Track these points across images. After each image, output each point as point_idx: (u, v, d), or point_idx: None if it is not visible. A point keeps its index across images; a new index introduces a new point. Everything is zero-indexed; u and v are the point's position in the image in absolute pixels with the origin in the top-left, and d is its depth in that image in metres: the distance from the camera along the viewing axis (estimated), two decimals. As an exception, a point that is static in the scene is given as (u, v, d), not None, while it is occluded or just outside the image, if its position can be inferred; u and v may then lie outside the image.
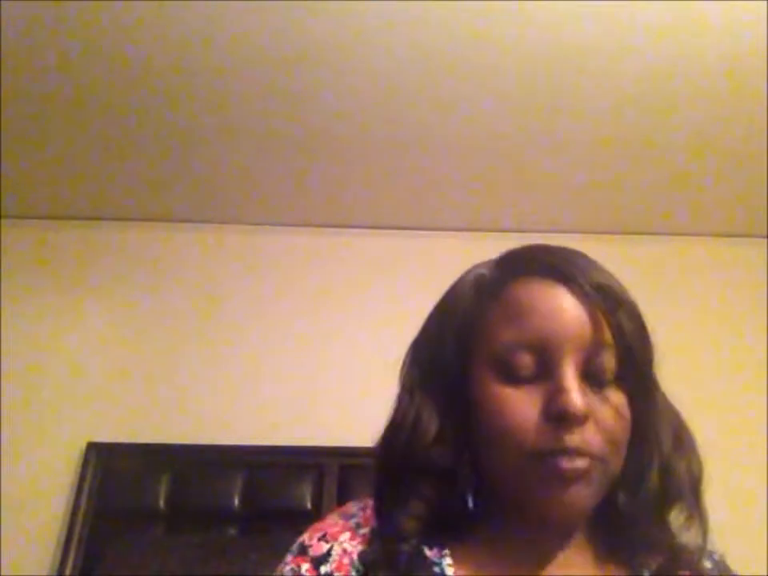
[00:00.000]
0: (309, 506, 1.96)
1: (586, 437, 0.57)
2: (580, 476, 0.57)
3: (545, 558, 0.62)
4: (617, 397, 0.60)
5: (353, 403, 2.08)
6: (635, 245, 2.40)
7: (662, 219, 2.40)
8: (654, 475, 0.62)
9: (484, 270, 0.68)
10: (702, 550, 0.63)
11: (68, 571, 1.86)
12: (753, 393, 2.21)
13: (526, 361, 0.59)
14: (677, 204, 2.32)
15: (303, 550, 0.64)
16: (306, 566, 0.62)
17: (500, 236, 2.33)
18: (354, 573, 0.60)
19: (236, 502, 1.97)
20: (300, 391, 2.18)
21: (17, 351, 2.18)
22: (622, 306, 0.61)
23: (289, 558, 0.65)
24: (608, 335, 0.59)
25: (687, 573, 0.62)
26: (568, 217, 2.36)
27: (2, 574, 1.86)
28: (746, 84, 1.80)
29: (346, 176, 2.20)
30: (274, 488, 2.00)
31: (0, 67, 1.73)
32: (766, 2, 1.56)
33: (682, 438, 0.64)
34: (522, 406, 0.58)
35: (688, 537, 0.63)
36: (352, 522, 0.65)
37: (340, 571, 0.61)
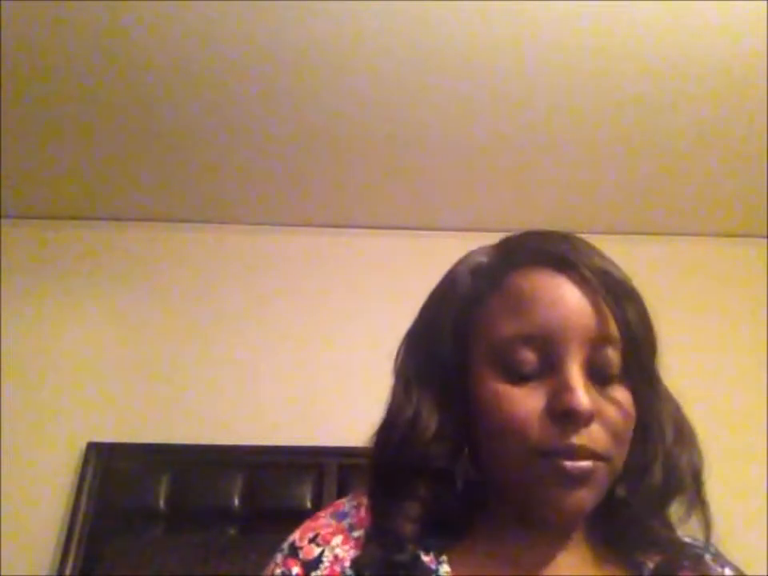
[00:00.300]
0: (309, 505, 1.95)
1: (592, 436, 0.55)
2: (584, 477, 0.55)
3: (543, 558, 0.61)
4: (622, 393, 0.58)
5: (353, 403, 2.08)
6: (635, 245, 2.40)
7: (661, 219, 2.40)
8: (656, 469, 0.60)
9: (482, 258, 0.65)
10: (706, 544, 0.62)
11: (68, 571, 1.85)
12: (753, 393, 2.21)
13: (528, 357, 0.57)
14: (676, 204, 2.32)
15: (294, 552, 0.62)
16: (296, 570, 0.60)
17: (500, 236, 2.32)
18: None
19: (236, 502, 1.97)
20: (300, 391, 2.18)
21: (17, 351, 2.18)
22: (627, 297, 0.59)
23: (279, 557, 0.63)
24: (613, 329, 0.58)
25: (688, 571, 0.61)
26: (568, 217, 2.36)
27: (2, 574, 1.86)
28: (746, 84, 1.79)
29: (346, 176, 2.20)
30: (274, 488, 2.00)
31: (0, 67, 1.73)
32: (766, 1, 1.56)
33: (683, 431, 0.63)
34: (524, 404, 0.56)
35: (689, 530, 0.62)
36: (345, 523, 0.63)
37: None
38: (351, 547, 0.60)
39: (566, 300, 0.57)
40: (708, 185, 2.21)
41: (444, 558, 0.60)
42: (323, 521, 0.64)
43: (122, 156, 2.10)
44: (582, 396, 0.54)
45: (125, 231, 2.40)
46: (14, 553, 1.91)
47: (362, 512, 0.63)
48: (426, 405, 0.61)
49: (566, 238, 0.63)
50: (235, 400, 2.16)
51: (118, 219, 2.40)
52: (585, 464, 0.55)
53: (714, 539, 0.62)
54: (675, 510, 0.62)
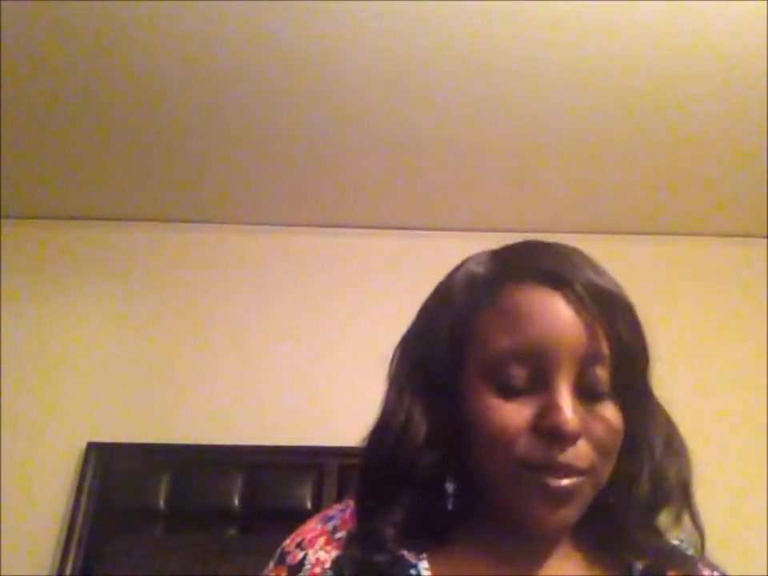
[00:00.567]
0: (309, 506, 1.96)
1: (578, 453, 0.56)
2: (567, 495, 0.56)
3: (530, 560, 0.61)
4: (610, 409, 0.58)
5: (353, 403, 2.08)
6: (635, 245, 2.40)
7: (662, 219, 2.40)
8: (644, 481, 0.61)
9: (479, 269, 0.66)
10: (698, 552, 0.63)
11: (68, 571, 1.86)
12: (753, 393, 2.21)
13: (519, 372, 0.58)
14: (677, 204, 2.32)
15: (282, 558, 0.63)
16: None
17: (500, 236, 2.31)
18: None
19: (236, 501, 1.97)
20: (300, 391, 2.18)
21: (17, 351, 2.18)
22: (620, 313, 0.59)
23: (270, 565, 0.64)
24: (605, 346, 0.58)
25: (676, 571, 0.62)
26: (568, 217, 2.36)
27: (2, 574, 1.86)
28: (746, 84, 1.79)
29: (346, 176, 2.19)
30: (274, 488, 2.00)
31: (0, 67, 1.73)
32: (766, 1, 1.56)
33: (672, 443, 0.64)
34: (513, 418, 0.57)
35: (679, 538, 0.63)
36: (329, 526, 0.64)
37: None
38: (333, 548, 0.61)
39: (559, 318, 0.58)
40: (708, 185, 2.21)
41: (424, 555, 0.61)
42: (311, 525, 0.66)
43: (122, 156, 2.10)
44: (569, 415, 0.55)
45: (125, 231, 2.40)
46: (14, 553, 1.91)
47: (347, 514, 0.64)
48: (417, 411, 0.62)
49: (562, 252, 0.63)
50: (235, 400, 2.16)
51: (118, 219, 2.41)
52: (567, 482, 0.56)
53: (708, 544, 0.63)
54: (663, 519, 0.62)
